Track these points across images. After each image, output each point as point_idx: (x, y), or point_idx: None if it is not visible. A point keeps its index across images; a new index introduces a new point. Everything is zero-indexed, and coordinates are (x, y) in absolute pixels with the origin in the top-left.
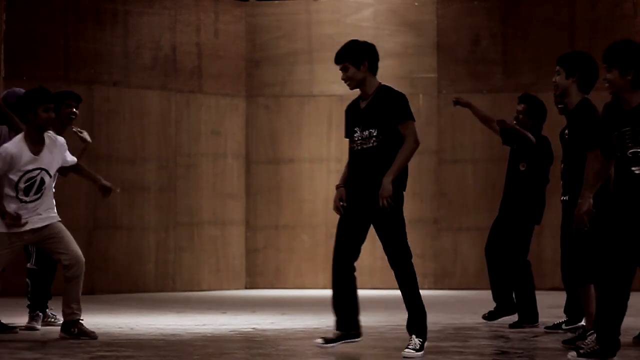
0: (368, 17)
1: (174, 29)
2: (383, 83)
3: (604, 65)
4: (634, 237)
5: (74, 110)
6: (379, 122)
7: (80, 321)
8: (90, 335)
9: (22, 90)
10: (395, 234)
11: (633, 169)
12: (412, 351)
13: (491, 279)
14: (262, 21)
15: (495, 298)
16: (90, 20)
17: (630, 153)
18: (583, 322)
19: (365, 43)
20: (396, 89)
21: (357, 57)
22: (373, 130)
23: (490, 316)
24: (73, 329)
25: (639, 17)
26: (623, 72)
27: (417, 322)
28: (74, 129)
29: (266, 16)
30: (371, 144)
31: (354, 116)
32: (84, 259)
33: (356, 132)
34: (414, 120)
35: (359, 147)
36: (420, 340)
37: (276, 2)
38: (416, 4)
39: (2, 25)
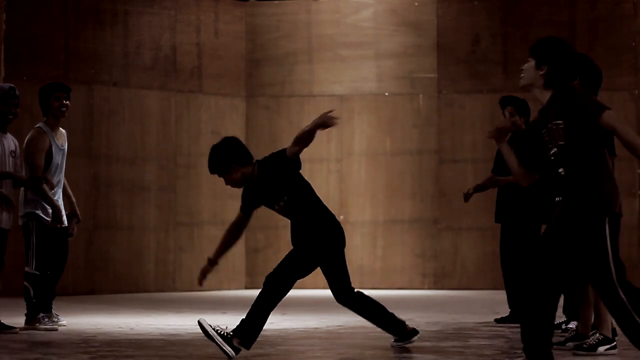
0: (368, 17)
1: (174, 29)
2: (258, 160)
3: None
4: (560, 248)
5: (64, 102)
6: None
7: None
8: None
9: (7, 86)
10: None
11: (560, 170)
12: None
13: (507, 285)
14: (262, 21)
15: (510, 304)
16: (90, 20)
17: (552, 154)
18: (575, 324)
19: (224, 145)
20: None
21: (225, 166)
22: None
23: (502, 320)
24: None
25: (639, 17)
26: (538, 64)
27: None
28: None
29: (266, 16)
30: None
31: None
32: None
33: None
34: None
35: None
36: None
37: (276, 2)
38: (416, 4)
39: (2, 25)
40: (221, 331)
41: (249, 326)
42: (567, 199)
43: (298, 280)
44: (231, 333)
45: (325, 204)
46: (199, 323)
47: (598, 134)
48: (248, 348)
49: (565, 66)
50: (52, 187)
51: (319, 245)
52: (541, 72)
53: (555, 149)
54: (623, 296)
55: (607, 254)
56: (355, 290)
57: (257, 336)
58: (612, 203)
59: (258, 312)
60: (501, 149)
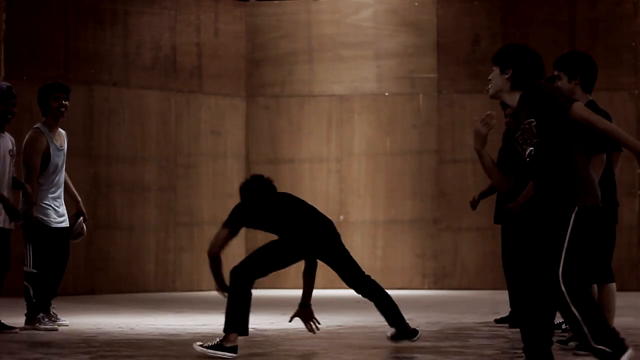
0: (368, 17)
1: (174, 29)
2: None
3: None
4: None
5: (64, 102)
6: None
7: None
8: None
9: (4, 85)
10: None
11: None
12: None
13: (509, 285)
14: (262, 21)
15: (512, 304)
16: (90, 20)
17: (528, 154)
18: None
19: (246, 182)
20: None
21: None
22: None
23: (502, 320)
24: None
25: (639, 17)
26: (502, 69)
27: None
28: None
29: (266, 16)
30: None
31: None
32: None
33: None
34: (225, 227)
35: None
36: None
37: (276, 2)
38: (416, 4)
39: (2, 25)
40: (209, 344)
41: (231, 315)
42: (543, 194)
43: (297, 281)
44: (218, 340)
45: (324, 205)
46: (194, 349)
47: (570, 127)
48: (246, 334)
49: (529, 66)
50: (33, 201)
51: (306, 238)
52: (506, 76)
53: (532, 148)
54: (564, 289)
55: (563, 245)
56: (366, 274)
57: (247, 319)
58: (583, 194)
59: (232, 301)
60: (476, 147)
